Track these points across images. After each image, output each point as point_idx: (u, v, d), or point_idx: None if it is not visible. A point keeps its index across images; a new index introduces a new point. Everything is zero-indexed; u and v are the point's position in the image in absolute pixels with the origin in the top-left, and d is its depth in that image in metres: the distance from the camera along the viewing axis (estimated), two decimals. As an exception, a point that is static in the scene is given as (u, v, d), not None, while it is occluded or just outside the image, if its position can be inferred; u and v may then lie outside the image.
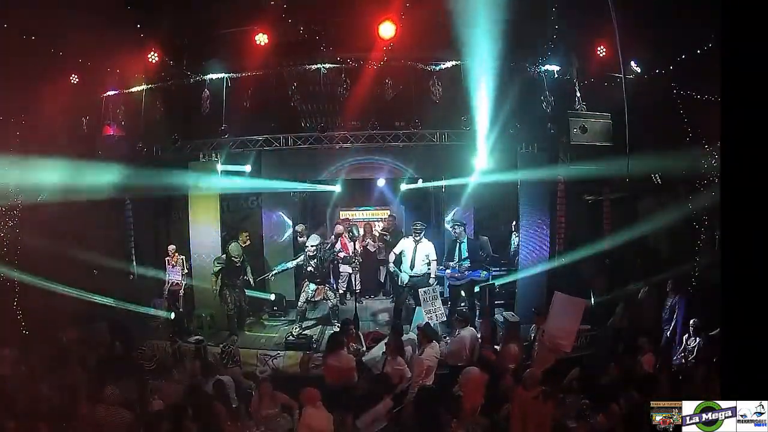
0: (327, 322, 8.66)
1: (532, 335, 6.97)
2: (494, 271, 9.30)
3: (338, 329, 7.49)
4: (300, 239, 9.39)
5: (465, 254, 8.35)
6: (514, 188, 9.11)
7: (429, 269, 8.34)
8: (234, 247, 8.44)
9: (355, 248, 9.54)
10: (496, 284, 8.61)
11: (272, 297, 9.43)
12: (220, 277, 8.41)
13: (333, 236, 9.44)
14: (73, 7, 6.65)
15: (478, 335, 6.95)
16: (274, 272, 8.86)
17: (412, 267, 8.37)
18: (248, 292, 8.77)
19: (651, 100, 7.54)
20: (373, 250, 10.23)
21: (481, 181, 9.31)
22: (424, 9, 7.31)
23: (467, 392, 5.43)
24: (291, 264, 8.81)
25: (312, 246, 8.47)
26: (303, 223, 10.11)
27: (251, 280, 8.68)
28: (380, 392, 5.25)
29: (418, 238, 8.40)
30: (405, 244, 8.54)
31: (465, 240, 8.46)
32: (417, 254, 8.36)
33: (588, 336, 7.38)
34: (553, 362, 5.91)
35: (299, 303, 8.55)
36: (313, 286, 8.48)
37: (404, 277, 8.41)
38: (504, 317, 8.41)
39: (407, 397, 5.70)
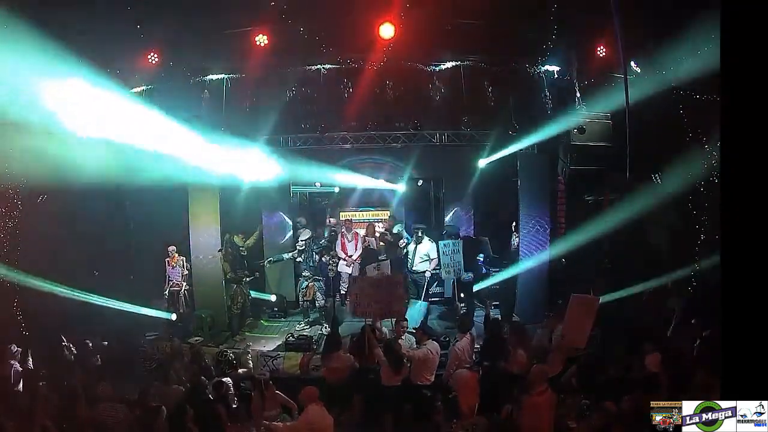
0: (318, 324, 8.67)
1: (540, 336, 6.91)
2: (494, 271, 9.32)
3: (329, 331, 7.56)
4: (299, 231, 9.41)
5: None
6: (514, 188, 9.12)
7: (428, 267, 8.55)
8: (237, 238, 8.63)
9: (345, 249, 9.57)
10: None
11: (273, 298, 9.44)
12: (228, 271, 8.55)
13: (326, 231, 9.48)
14: (74, 7, 6.67)
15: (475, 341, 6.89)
16: (269, 260, 9.05)
17: (412, 265, 8.67)
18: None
19: (651, 100, 7.54)
20: (375, 249, 10.22)
21: (481, 181, 9.34)
22: (423, 9, 7.31)
23: (461, 393, 5.43)
24: (286, 255, 8.92)
25: (302, 240, 8.73)
26: (303, 217, 10.13)
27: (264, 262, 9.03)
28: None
29: (418, 237, 8.68)
30: (410, 245, 8.89)
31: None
32: (416, 254, 8.67)
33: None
34: (562, 368, 5.91)
35: (300, 301, 8.65)
36: (304, 284, 8.57)
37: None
38: (504, 318, 8.41)
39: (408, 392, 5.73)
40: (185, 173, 8.44)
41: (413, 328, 6.79)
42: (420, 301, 8.33)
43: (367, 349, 6.09)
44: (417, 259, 8.65)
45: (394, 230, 9.39)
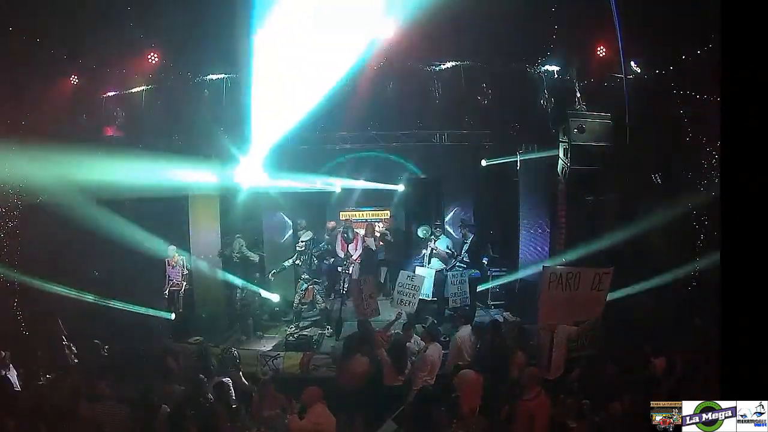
0: (319, 325, 8.67)
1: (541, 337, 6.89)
2: (494, 271, 9.34)
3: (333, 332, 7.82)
4: (299, 232, 9.36)
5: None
6: (514, 188, 9.12)
7: (441, 263, 8.72)
8: (237, 243, 8.65)
9: (347, 250, 9.58)
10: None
11: (275, 298, 9.43)
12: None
13: (327, 234, 9.44)
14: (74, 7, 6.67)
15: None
16: (273, 272, 8.95)
17: (429, 263, 8.81)
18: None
19: (651, 100, 7.54)
20: (374, 249, 10.23)
21: (481, 181, 9.34)
22: (424, 9, 7.30)
23: (464, 394, 5.43)
24: (287, 263, 8.90)
25: (303, 242, 8.68)
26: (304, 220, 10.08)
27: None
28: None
29: (437, 234, 8.87)
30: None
31: (470, 239, 8.63)
32: (432, 252, 8.82)
33: (588, 336, 7.37)
34: (563, 371, 5.91)
35: (294, 304, 8.65)
36: (303, 286, 8.56)
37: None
38: (504, 317, 8.42)
39: (410, 393, 5.72)
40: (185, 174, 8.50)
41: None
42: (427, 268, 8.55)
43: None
44: (433, 258, 8.77)
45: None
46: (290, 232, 10.04)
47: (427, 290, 8.33)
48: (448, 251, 8.70)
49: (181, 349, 7.58)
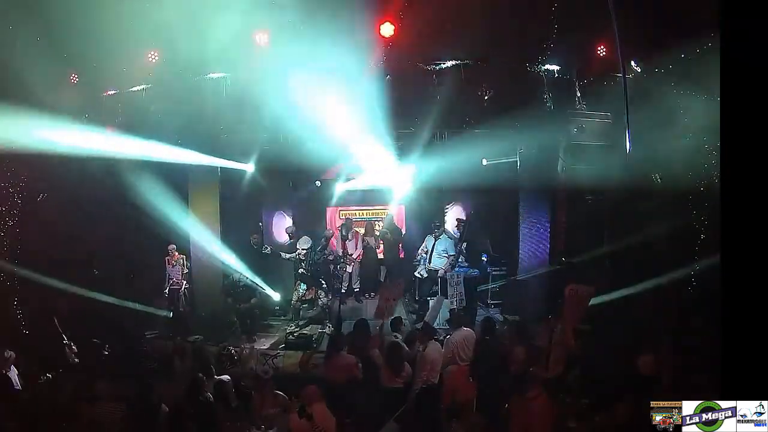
0: (320, 322, 8.67)
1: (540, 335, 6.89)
2: (494, 270, 9.34)
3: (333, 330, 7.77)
4: (291, 240, 9.27)
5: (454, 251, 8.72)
6: (514, 188, 9.12)
7: (445, 264, 8.65)
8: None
9: (345, 248, 9.55)
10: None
11: (276, 296, 9.41)
12: None
13: (324, 239, 9.37)
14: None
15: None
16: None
17: (430, 261, 8.77)
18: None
19: (651, 100, 7.53)
20: (374, 247, 10.23)
21: (481, 180, 9.32)
22: (424, 9, 7.31)
23: (450, 388, 5.49)
24: (286, 256, 8.90)
25: (303, 249, 8.58)
26: (293, 225, 9.96)
27: None
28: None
29: (437, 233, 8.82)
30: (428, 241, 8.98)
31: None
32: (434, 250, 8.78)
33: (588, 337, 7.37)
34: (564, 365, 5.91)
35: (293, 301, 8.64)
36: (304, 286, 8.55)
37: (422, 272, 8.92)
38: (504, 317, 8.41)
39: (411, 393, 5.72)
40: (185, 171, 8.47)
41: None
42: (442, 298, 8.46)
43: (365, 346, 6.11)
44: (434, 255, 8.72)
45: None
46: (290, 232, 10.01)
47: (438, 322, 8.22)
48: (447, 254, 8.65)
49: (182, 347, 7.58)
